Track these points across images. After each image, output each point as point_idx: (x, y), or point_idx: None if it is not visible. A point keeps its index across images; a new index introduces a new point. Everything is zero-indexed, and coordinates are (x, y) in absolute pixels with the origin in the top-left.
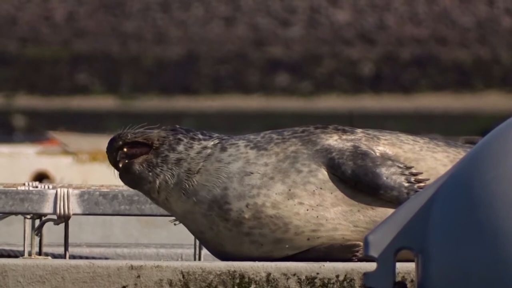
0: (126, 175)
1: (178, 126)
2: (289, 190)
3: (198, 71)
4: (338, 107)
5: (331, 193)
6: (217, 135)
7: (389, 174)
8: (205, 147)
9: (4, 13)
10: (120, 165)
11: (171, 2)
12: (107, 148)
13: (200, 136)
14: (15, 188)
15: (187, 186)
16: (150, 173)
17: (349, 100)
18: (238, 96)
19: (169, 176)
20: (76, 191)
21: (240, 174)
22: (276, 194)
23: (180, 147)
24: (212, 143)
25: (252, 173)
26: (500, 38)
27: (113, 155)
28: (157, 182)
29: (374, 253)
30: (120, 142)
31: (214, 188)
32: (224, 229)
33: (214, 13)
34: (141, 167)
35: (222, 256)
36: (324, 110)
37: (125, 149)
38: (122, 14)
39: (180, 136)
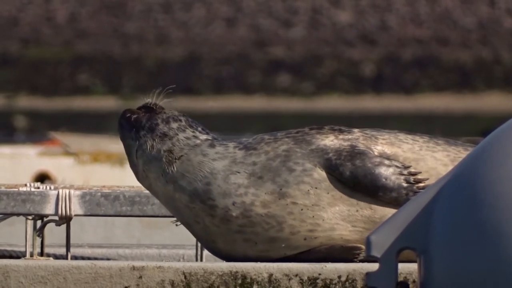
0: (120, 120)
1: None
2: (280, 189)
3: (199, 72)
4: (340, 108)
5: (328, 193)
6: (213, 135)
7: (388, 175)
8: (195, 137)
9: (6, 14)
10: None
11: (172, 3)
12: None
13: (199, 128)
14: (16, 189)
15: (165, 168)
16: (133, 130)
17: (351, 100)
18: (239, 96)
19: (148, 145)
20: (78, 192)
21: (225, 172)
22: (265, 193)
23: (173, 125)
24: (205, 137)
25: (238, 172)
26: (501, 39)
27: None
28: (136, 144)
29: (376, 253)
30: (142, 104)
31: (196, 181)
32: (211, 224)
33: (215, 14)
34: (126, 121)
35: (217, 253)
36: (326, 111)
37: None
38: (124, 15)
39: (181, 117)
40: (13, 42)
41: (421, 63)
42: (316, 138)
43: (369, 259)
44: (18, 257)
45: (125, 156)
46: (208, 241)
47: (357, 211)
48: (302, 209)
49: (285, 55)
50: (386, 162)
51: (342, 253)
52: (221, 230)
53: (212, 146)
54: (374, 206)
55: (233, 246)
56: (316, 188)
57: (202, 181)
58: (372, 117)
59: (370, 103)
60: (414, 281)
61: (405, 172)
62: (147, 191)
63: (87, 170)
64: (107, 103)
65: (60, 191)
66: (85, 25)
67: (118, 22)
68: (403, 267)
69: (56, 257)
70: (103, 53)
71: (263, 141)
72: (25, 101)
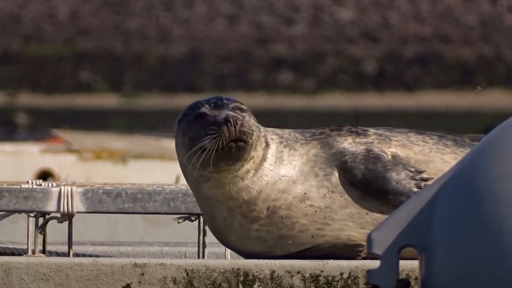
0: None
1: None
2: (305, 193)
3: (201, 69)
4: (342, 105)
5: (341, 196)
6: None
7: (399, 179)
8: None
9: (8, 11)
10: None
11: (174, 0)
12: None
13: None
14: (19, 186)
15: (237, 183)
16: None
17: (353, 98)
18: (241, 94)
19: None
20: (80, 189)
21: (274, 178)
22: (293, 197)
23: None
24: (262, 133)
25: (282, 176)
26: (503, 36)
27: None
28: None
29: (377, 250)
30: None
31: (253, 191)
32: (238, 224)
33: (217, 11)
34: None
35: (225, 244)
36: (328, 108)
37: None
38: (126, 12)
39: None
40: (15, 39)
41: (423, 60)
42: (336, 141)
43: (371, 256)
44: (20, 254)
45: (127, 154)
46: (221, 234)
47: (367, 214)
48: (316, 211)
49: (286, 53)
50: (399, 166)
51: (345, 250)
52: (244, 228)
53: (267, 145)
54: (384, 210)
55: (245, 242)
56: (332, 192)
57: (257, 189)
58: (374, 115)
59: (372, 100)
60: (416, 278)
61: (417, 177)
62: (149, 188)
63: (90, 167)
64: (109, 100)
65: (62, 188)
66: (87, 22)
67: (120, 19)
68: (405, 264)
69: (58, 254)
70: (105, 50)
71: (298, 140)
72: (26, 99)
